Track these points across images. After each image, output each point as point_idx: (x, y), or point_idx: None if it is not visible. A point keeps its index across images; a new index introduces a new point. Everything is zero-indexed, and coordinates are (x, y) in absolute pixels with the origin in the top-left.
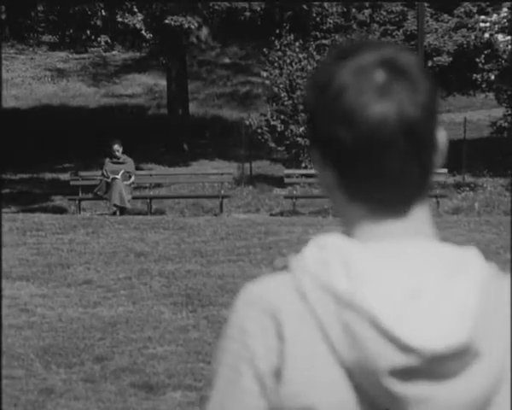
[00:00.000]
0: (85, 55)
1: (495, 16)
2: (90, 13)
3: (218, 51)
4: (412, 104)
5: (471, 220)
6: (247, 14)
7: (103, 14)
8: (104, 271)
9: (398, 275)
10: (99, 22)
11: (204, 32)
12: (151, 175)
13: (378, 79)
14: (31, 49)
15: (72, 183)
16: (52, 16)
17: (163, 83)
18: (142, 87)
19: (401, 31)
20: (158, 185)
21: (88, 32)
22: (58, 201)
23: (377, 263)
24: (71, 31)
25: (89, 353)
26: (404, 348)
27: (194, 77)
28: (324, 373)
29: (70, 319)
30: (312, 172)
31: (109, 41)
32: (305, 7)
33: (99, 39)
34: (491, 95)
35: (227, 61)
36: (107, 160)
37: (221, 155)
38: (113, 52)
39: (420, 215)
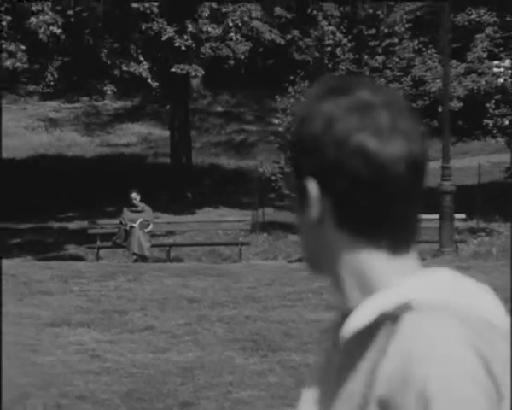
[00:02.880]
0: (77, 105)
1: (508, 61)
2: (109, 63)
3: (210, 100)
4: (417, 143)
5: (508, 264)
6: (231, 62)
7: (108, 63)
8: (162, 317)
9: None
10: (117, 72)
11: (196, 80)
12: (169, 223)
13: (384, 118)
14: (22, 99)
15: (89, 231)
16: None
17: (156, 132)
18: (136, 136)
19: (409, 77)
20: (170, 233)
21: (106, 81)
22: (72, 249)
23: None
24: (86, 79)
25: (173, 398)
26: None
27: None
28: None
29: (143, 364)
30: None
31: (115, 90)
32: (317, 54)
33: (105, 88)
34: (503, 140)
35: (219, 109)
36: (125, 208)
37: (224, 202)
38: (105, 101)
39: (415, 253)
